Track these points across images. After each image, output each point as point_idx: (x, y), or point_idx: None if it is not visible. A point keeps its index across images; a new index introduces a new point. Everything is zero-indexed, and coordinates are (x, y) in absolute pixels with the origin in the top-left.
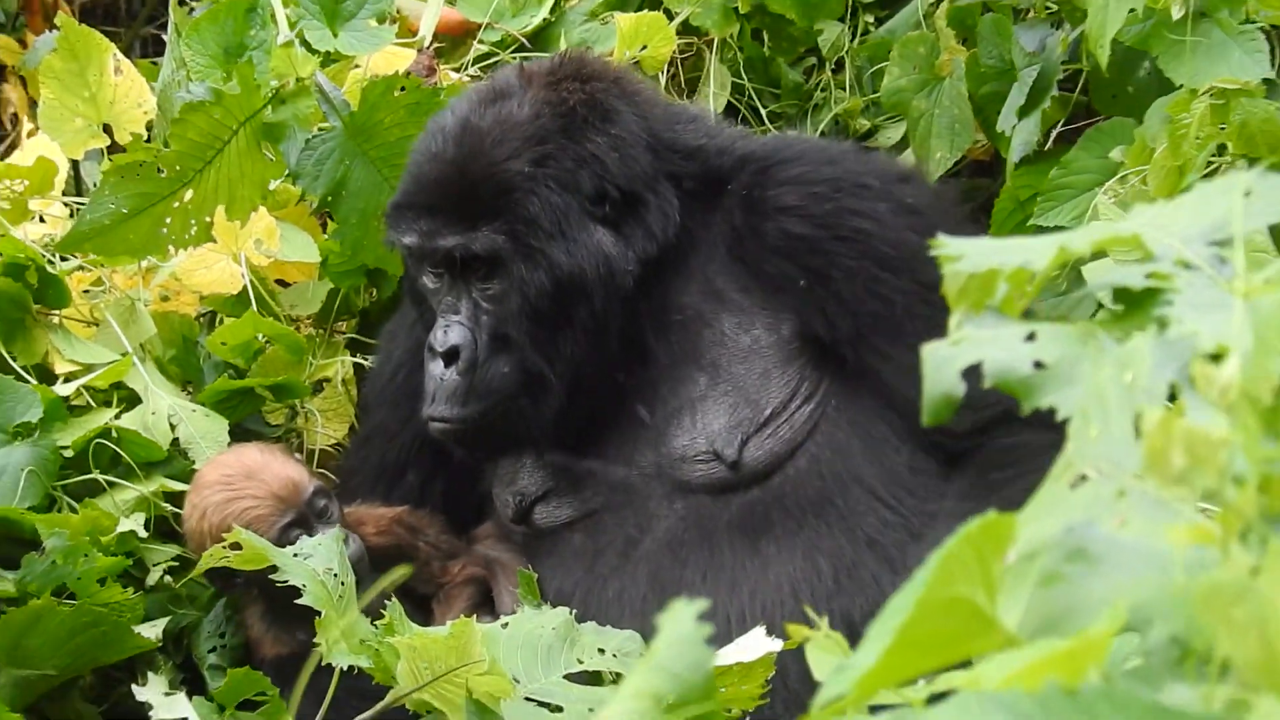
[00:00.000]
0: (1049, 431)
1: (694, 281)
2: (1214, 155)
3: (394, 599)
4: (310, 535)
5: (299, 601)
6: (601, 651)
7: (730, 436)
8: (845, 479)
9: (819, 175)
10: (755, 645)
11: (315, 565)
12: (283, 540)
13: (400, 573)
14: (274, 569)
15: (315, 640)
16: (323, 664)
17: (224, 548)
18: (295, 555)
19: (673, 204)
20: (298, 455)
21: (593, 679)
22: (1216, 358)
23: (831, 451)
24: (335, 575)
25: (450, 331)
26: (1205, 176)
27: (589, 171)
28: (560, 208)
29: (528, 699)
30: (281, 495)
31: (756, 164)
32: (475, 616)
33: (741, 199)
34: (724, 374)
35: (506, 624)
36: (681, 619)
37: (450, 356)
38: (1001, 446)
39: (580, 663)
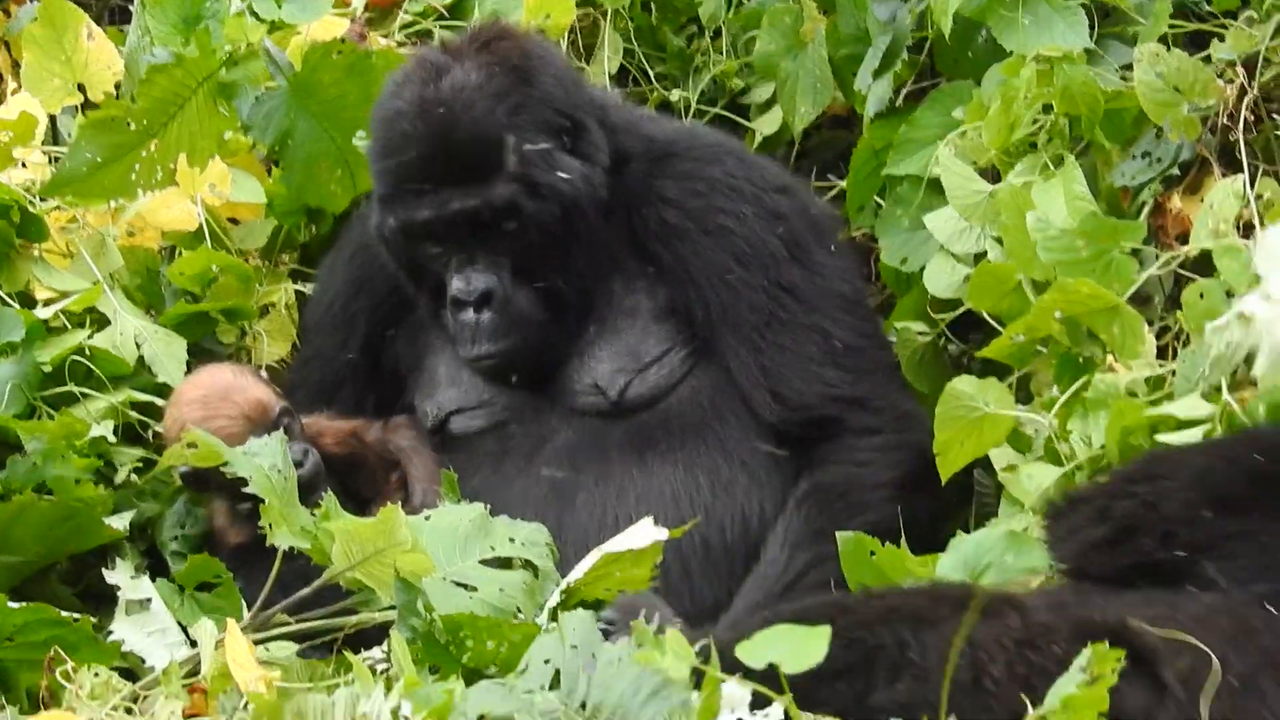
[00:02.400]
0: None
1: (599, 238)
2: (1039, 114)
3: (329, 492)
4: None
5: (245, 490)
6: (512, 541)
7: (614, 379)
8: (724, 411)
9: (700, 173)
10: (644, 534)
11: (262, 463)
12: None
13: None
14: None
15: (258, 534)
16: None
17: (182, 447)
18: (244, 454)
19: (601, 136)
20: (263, 374)
21: (503, 564)
22: None
23: (711, 387)
24: (279, 471)
25: (473, 280)
26: (1029, 134)
27: (549, 109)
28: (544, 145)
29: (447, 579)
30: (251, 416)
31: (655, 151)
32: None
33: (638, 180)
34: (609, 328)
35: (429, 516)
36: None
37: (482, 301)
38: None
39: (493, 550)
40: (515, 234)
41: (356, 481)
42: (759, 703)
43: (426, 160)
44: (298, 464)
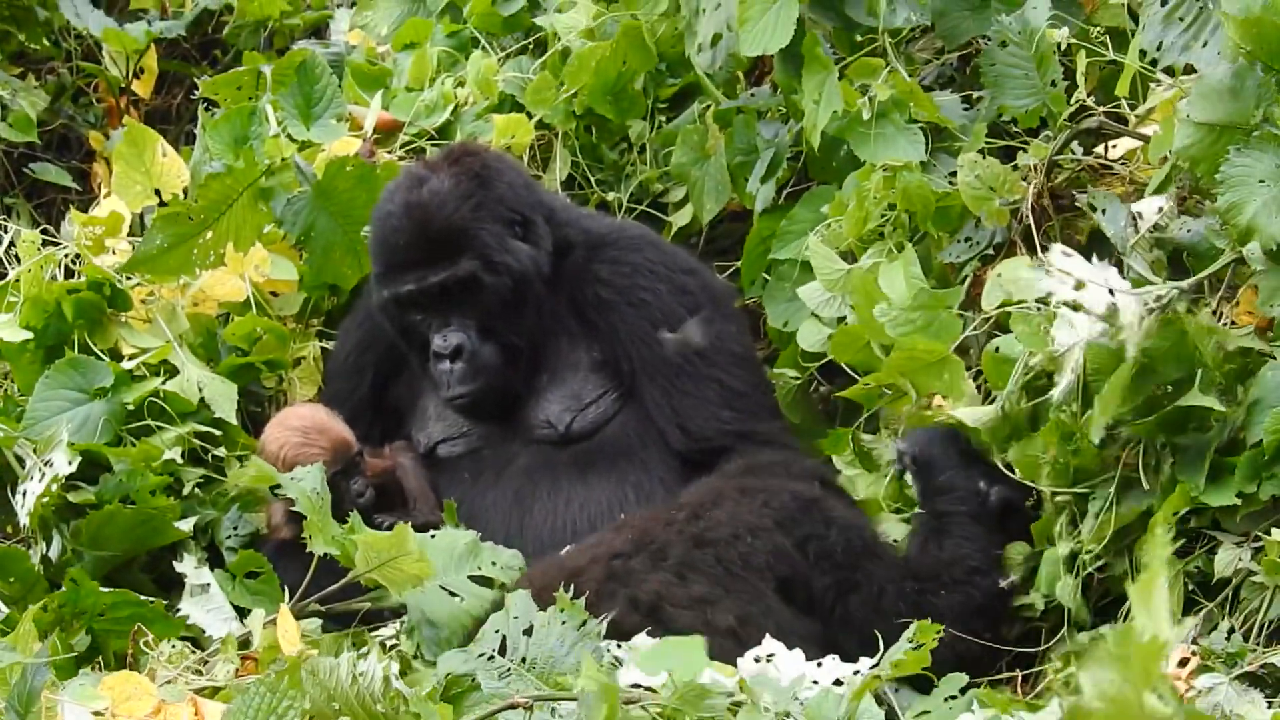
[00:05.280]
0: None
1: (545, 309)
2: (886, 210)
3: (355, 513)
4: (349, 480)
5: (292, 509)
6: (494, 564)
7: (561, 416)
8: (647, 440)
9: (626, 259)
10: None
11: (305, 486)
12: (333, 480)
13: None
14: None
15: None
16: (307, 551)
17: (257, 468)
18: (293, 479)
19: (547, 230)
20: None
21: (485, 582)
22: None
23: (635, 422)
24: (318, 493)
25: (449, 337)
26: (878, 226)
27: (503, 206)
28: (499, 233)
29: (441, 587)
30: (337, 450)
31: (592, 241)
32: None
33: (578, 264)
34: (557, 378)
35: (434, 535)
36: None
37: (455, 354)
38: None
39: (479, 569)
40: (478, 300)
41: (384, 499)
42: None
43: (409, 247)
44: (360, 495)
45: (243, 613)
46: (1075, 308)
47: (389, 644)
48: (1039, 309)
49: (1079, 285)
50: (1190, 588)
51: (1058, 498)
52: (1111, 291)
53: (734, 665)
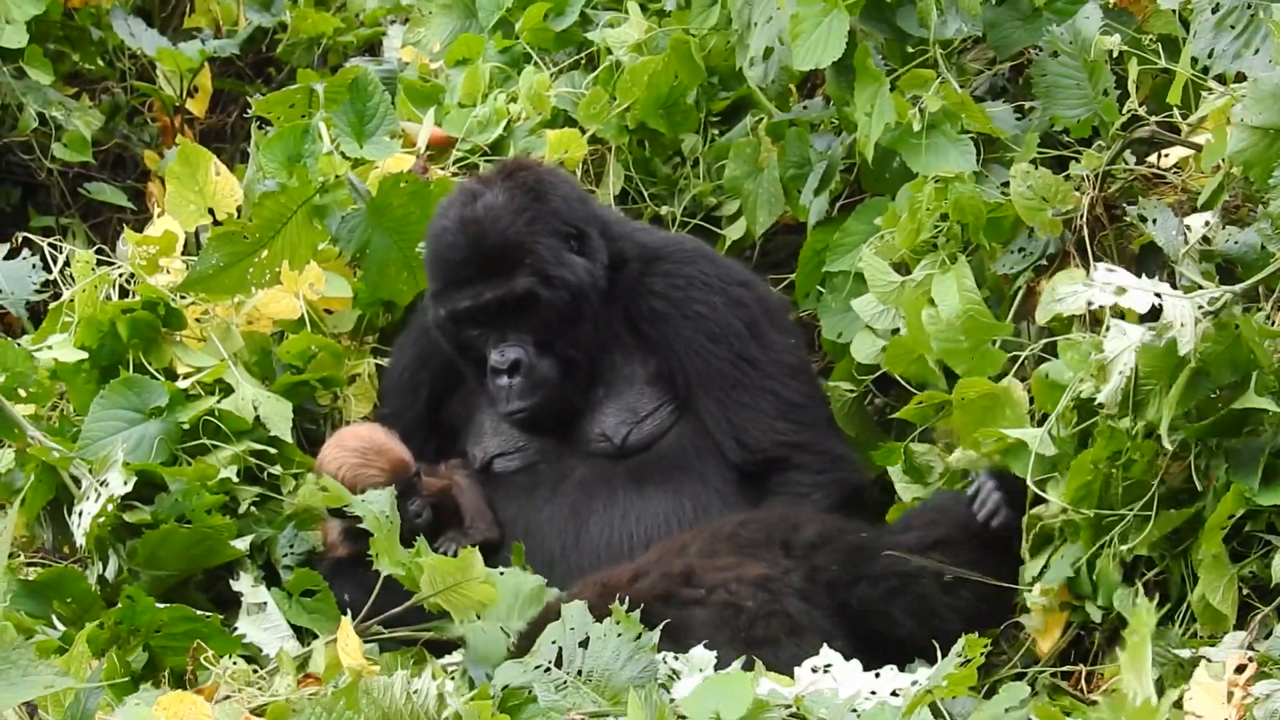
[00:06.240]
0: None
1: (601, 322)
2: (939, 221)
3: (420, 537)
4: (406, 501)
5: (359, 526)
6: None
7: (618, 429)
8: (703, 452)
9: (680, 272)
10: None
11: (375, 508)
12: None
13: None
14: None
15: (362, 550)
16: (373, 569)
17: (318, 488)
18: (364, 500)
19: (601, 243)
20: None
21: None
22: None
23: (691, 434)
24: (387, 516)
25: (506, 353)
26: (931, 236)
27: (558, 220)
28: (554, 247)
29: (502, 629)
30: (394, 470)
31: (647, 255)
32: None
33: (633, 277)
34: (613, 391)
35: (503, 572)
36: None
37: (513, 369)
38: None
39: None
40: (535, 315)
41: (441, 518)
42: None
43: (465, 263)
44: (417, 515)
45: (299, 631)
46: (1125, 316)
47: (449, 667)
48: (1087, 336)
49: (1120, 290)
50: (1245, 592)
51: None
52: (1159, 295)
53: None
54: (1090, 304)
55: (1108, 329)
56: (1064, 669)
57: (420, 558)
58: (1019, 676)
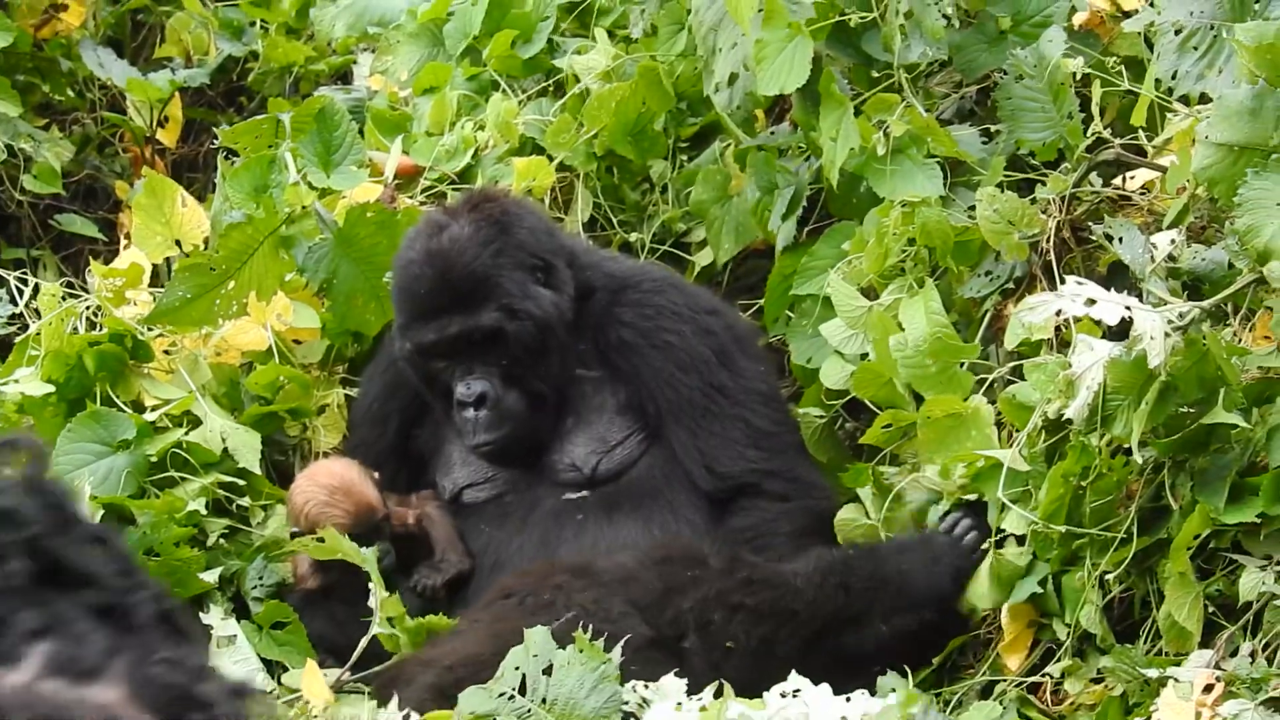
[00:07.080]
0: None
1: (569, 353)
2: (906, 246)
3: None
4: (367, 544)
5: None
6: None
7: (587, 459)
8: (671, 481)
9: (648, 301)
10: None
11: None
12: (354, 541)
13: None
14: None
15: (332, 582)
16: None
17: (314, 540)
18: (357, 550)
19: (569, 274)
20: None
21: None
22: None
23: (661, 463)
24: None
25: (473, 385)
26: (899, 260)
27: (524, 252)
28: (520, 280)
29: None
30: (359, 515)
31: (615, 284)
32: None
33: (601, 307)
34: (583, 420)
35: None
36: None
37: (479, 402)
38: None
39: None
40: (501, 348)
41: (412, 549)
42: None
43: (431, 296)
44: (380, 558)
45: (269, 664)
46: (1094, 333)
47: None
48: (1055, 356)
49: (1090, 301)
50: (1211, 610)
51: (1077, 530)
52: (1129, 307)
53: None
54: (1060, 314)
55: (1074, 346)
56: (1031, 679)
57: (404, 624)
58: (986, 688)
